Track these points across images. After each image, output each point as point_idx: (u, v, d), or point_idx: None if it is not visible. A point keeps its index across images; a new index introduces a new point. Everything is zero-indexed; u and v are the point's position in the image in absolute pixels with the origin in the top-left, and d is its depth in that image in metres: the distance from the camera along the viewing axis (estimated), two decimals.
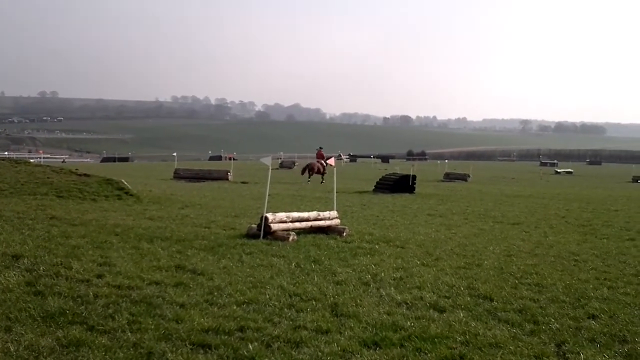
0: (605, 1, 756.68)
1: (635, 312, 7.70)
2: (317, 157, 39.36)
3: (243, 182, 34.50)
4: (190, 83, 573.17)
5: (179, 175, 37.46)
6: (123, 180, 21.68)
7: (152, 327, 6.18)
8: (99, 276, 8.23)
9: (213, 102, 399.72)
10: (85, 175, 21.86)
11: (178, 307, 6.93)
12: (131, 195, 19.97)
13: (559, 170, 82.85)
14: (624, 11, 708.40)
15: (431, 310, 7.37)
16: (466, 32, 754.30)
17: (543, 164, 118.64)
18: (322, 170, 37.24)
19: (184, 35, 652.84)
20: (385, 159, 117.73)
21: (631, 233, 16.10)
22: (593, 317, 7.40)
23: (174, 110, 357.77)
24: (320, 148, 40.90)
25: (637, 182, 60.85)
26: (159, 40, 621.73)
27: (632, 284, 9.47)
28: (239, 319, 6.60)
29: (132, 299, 7.16)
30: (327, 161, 14.85)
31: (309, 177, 37.10)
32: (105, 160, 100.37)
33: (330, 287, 8.31)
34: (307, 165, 37.79)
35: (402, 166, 60.42)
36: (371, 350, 5.88)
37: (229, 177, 37.06)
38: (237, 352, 5.60)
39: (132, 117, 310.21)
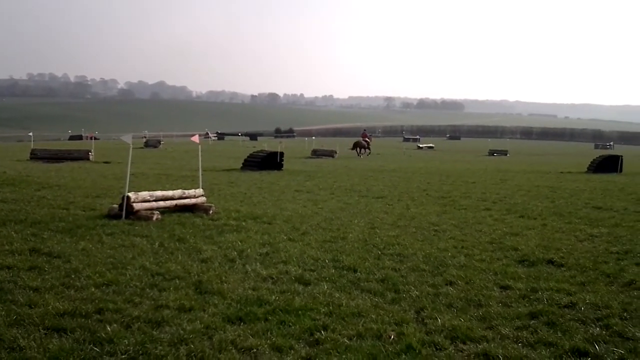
0: None
1: (490, 277, 8.09)
2: (362, 137, 53.10)
3: (105, 162, 33.22)
4: (47, 60, 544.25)
5: (36, 156, 35.56)
6: None
7: (3, 312, 5.86)
8: None
9: (72, 79, 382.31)
10: None
11: (31, 292, 6.60)
12: None
13: (421, 146, 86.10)
14: None
15: (296, 284, 7.42)
16: (334, 10, 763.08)
17: (406, 140, 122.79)
18: (366, 146, 51.27)
19: (36, 7, 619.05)
20: (253, 136, 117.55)
21: (487, 203, 16.89)
22: (451, 283, 7.71)
23: (29, 88, 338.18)
24: (365, 130, 58.24)
25: (493, 155, 64.39)
26: (7, 13, 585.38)
27: (487, 251, 9.96)
28: (97, 301, 6.36)
29: None
30: (192, 138, 14.68)
31: (359, 153, 50.16)
32: None
33: (195, 265, 8.19)
34: (356, 143, 51.70)
35: (270, 143, 60.36)
36: (235, 326, 5.83)
37: (90, 157, 35.60)
38: (95, 335, 5.38)
39: None
